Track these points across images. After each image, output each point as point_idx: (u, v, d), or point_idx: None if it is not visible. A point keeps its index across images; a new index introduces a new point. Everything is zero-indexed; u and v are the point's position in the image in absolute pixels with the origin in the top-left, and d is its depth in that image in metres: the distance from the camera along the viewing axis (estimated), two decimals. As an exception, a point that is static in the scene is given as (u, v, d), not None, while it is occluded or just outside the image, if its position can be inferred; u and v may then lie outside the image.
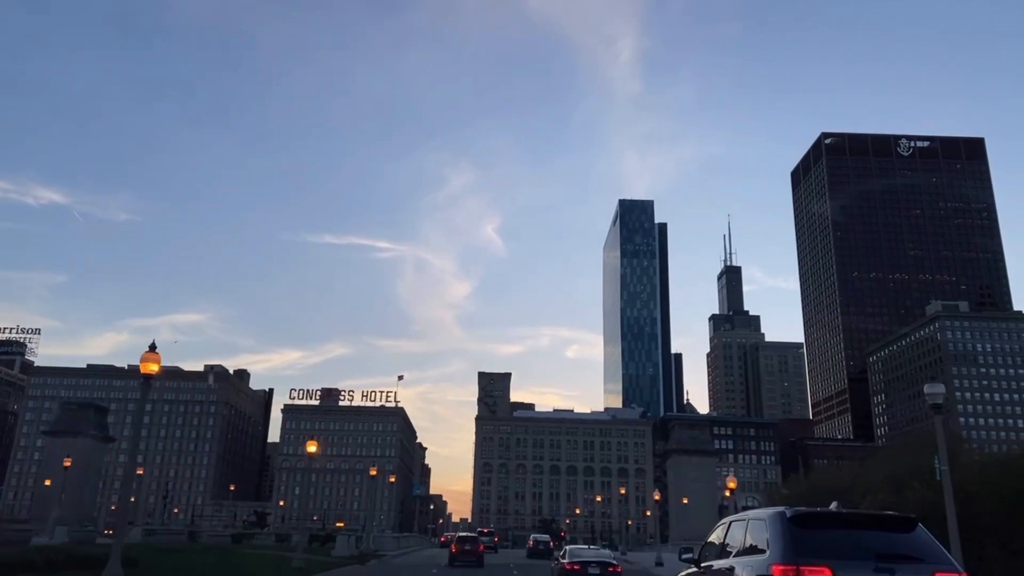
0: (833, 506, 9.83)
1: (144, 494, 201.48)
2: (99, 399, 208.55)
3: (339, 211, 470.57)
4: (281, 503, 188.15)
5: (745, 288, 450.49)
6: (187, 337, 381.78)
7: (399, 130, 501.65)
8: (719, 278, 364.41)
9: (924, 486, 25.82)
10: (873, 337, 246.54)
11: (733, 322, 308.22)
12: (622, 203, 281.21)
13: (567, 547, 30.69)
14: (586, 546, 35.84)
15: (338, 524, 71.04)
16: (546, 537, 74.83)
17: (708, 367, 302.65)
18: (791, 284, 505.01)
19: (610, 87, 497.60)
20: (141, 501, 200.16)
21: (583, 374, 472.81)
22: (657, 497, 62.05)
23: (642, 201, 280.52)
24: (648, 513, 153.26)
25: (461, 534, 54.55)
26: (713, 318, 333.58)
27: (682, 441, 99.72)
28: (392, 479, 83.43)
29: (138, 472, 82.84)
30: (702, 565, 11.25)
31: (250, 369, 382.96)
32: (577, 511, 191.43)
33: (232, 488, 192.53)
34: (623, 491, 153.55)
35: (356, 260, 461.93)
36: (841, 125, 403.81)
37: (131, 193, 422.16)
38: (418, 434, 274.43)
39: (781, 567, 8.46)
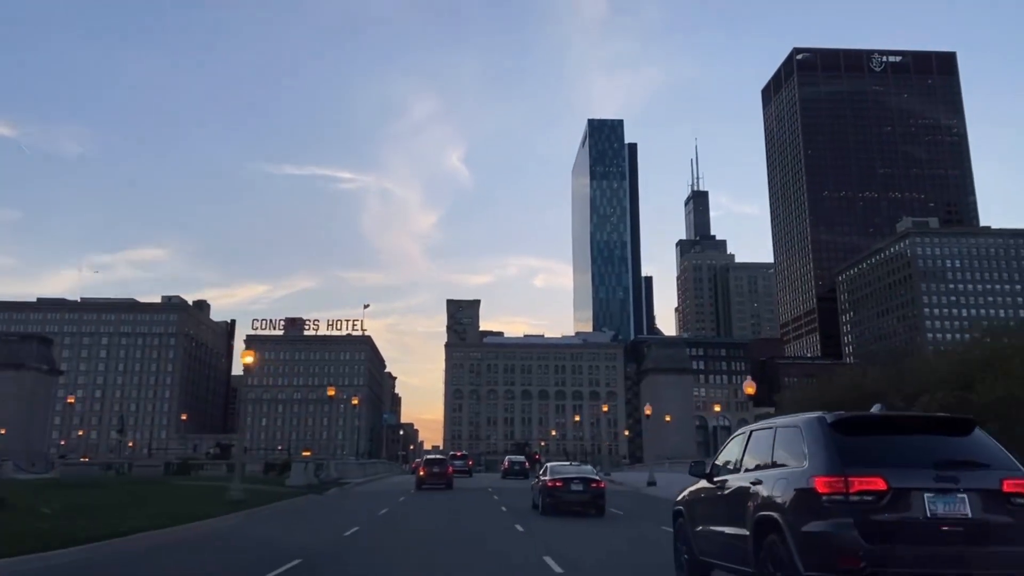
0: (875, 409, 8.66)
1: (105, 429, 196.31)
2: (51, 333, 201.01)
3: (299, 141, 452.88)
4: (234, 433, 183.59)
5: (712, 214, 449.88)
6: (148, 273, 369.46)
7: (359, 57, 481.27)
8: (686, 203, 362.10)
9: (1003, 379, 21.45)
10: (842, 256, 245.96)
11: (701, 246, 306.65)
12: (591, 123, 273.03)
13: (548, 464, 29.44)
14: (567, 463, 34.57)
15: (304, 453, 67.08)
16: (521, 458, 73.52)
17: (678, 289, 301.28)
18: (756, 210, 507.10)
19: (575, 9, 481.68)
20: (103, 436, 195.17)
21: (552, 303, 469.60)
22: (648, 412, 58.16)
23: (611, 120, 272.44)
24: (627, 433, 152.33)
25: (429, 456, 50.65)
26: (680, 243, 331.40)
27: (659, 360, 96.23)
28: (355, 402, 79.68)
29: (68, 401, 77.23)
30: (715, 480, 9.94)
31: (214, 304, 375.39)
32: (553, 432, 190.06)
33: (184, 418, 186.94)
34: (605, 408, 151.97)
35: (319, 191, 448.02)
36: (814, 40, 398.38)
37: (82, 125, 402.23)
38: (387, 365, 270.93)
39: (826, 478, 7.37)
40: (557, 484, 25.10)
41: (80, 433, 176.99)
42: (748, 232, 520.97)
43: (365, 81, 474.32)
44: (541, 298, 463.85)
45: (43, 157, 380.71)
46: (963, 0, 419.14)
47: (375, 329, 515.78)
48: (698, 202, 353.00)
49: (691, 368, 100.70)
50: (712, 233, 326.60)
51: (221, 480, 37.82)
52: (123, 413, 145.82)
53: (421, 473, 43.50)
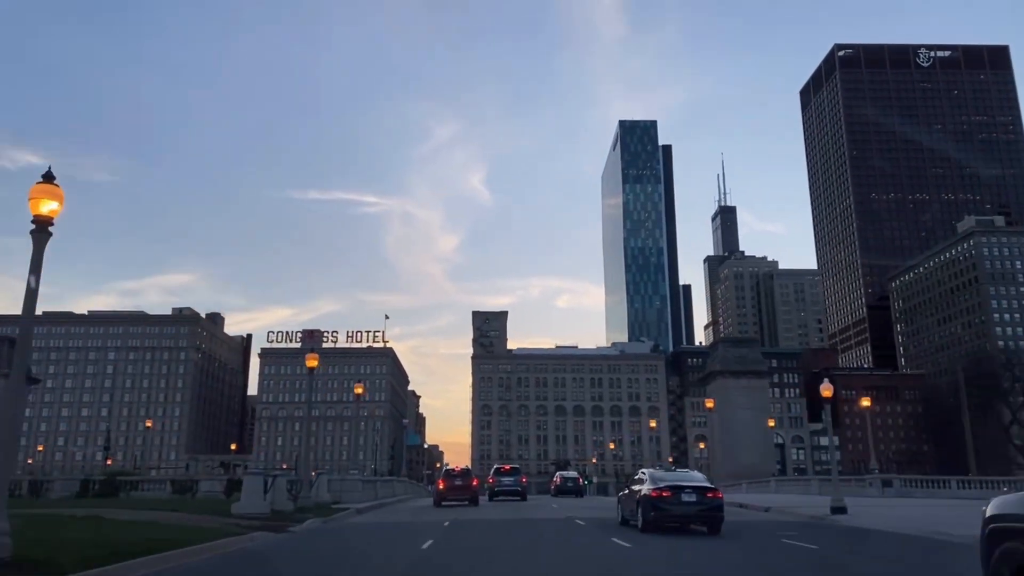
0: None
1: (112, 449, 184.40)
2: (57, 348, 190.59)
3: (324, 166, 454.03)
4: (249, 453, 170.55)
5: (740, 231, 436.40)
6: (175, 298, 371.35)
7: (381, 83, 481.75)
8: (713, 219, 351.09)
9: None
10: (892, 263, 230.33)
11: (739, 256, 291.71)
12: (622, 124, 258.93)
13: (646, 470, 24.59)
14: (662, 469, 29.55)
15: (312, 473, 55.31)
16: (573, 474, 67.95)
17: (713, 303, 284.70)
18: (781, 228, 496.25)
19: (595, 29, 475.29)
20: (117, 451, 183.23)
21: (576, 323, 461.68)
22: (805, 401, 43.48)
23: (644, 122, 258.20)
24: (702, 446, 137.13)
25: (450, 467, 42.65)
26: (708, 259, 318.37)
27: (728, 361, 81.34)
28: (358, 390, 67.00)
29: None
30: None
31: (239, 328, 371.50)
32: (611, 446, 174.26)
33: (149, 424, 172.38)
34: (653, 424, 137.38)
35: (343, 215, 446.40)
36: (852, 38, 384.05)
37: (109, 153, 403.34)
38: (410, 385, 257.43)
39: None
40: (664, 494, 21.28)
41: (40, 448, 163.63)
42: (776, 250, 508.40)
43: (388, 106, 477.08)
44: (565, 318, 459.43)
45: (71, 184, 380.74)
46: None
47: (398, 351, 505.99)
48: (726, 217, 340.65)
49: (766, 371, 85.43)
50: (741, 248, 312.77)
51: (135, 506, 24.03)
52: (108, 427, 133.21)
53: (441, 487, 38.87)
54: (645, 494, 21.66)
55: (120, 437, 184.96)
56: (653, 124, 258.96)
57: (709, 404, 79.84)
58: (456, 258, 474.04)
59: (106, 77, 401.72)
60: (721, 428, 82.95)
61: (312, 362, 25.56)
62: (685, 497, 20.97)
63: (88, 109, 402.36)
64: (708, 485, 22.02)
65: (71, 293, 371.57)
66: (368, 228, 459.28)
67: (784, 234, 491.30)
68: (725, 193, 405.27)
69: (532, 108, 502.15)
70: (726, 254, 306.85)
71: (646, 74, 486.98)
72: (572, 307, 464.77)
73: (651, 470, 24.63)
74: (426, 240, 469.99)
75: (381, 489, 42.70)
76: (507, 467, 46.74)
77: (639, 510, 21.91)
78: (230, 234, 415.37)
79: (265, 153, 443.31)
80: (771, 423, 65.06)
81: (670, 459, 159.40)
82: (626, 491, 24.60)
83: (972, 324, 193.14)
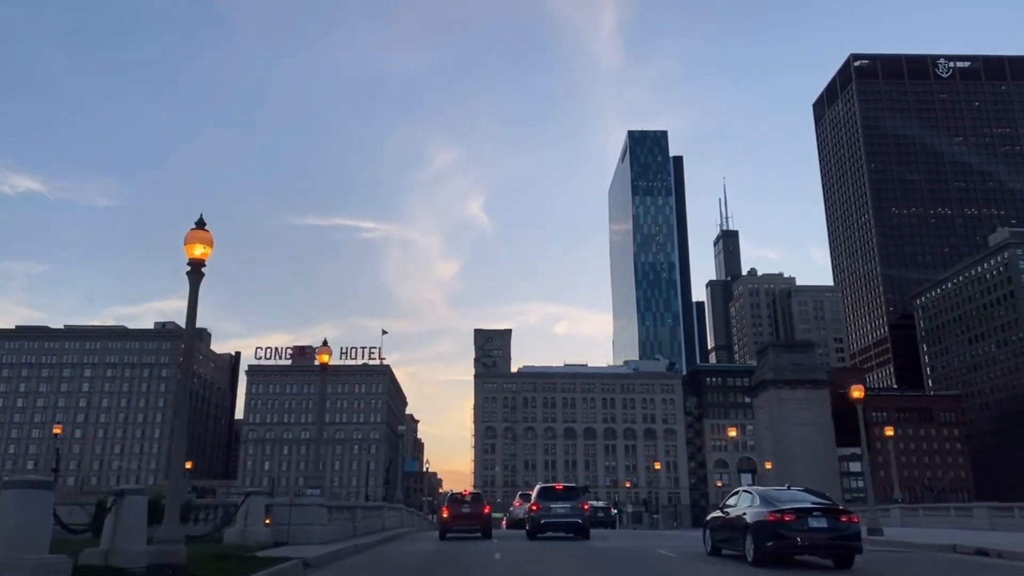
0: None
1: (86, 469, 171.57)
2: (28, 364, 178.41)
3: (323, 192, 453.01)
4: (234, 479, 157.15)
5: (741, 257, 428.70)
6: (174, 323, 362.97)
7: (381, 109, 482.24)
8: (715, 243, 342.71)
9: None
10: (915, 280, 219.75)
11: (752, 273, 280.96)
12: (631, 135, 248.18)
13: (752, 489, 19.63)
14: (777, 487, 21.49)
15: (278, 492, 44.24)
16: (603, 503, 65.21)
17: (734, 317, 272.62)
18: (778, 254, 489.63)
19: (594, 57, 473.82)
20: (83, 475, 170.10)
21: (576, 350, 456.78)
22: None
23: (654, 132, 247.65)
24: (768, 466, 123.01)
25: (456, 492, 35.86)
26: (711, 284, 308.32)
27: (780, 368, 69.24)
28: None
29: None
30: None
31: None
32: (657, 466, 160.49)
33: (160, 457, 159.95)
34: (739, 430, 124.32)
35: (342, 241, 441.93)
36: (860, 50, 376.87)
37: (110, 179, 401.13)
38: (408, 410, 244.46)
39: None
40: (786, 518, 17.04)
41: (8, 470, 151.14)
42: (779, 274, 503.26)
43: (388, 133, 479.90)
44: (564, 345, 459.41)
45: (71, 210, 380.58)
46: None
47: (397, 377, 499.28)
48: (728, 242, 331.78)
49: (826, 380, 73.15)
50: (744, 272, 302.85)
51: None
52: (58, 447, 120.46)
53: (445, 515, 32.80)
54: (759, 519, 17.91)
55: (95, 461, 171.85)
56: (663, 134, 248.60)
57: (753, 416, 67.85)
58: (455, 284, 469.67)
59: (106, 103, 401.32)
60: (774, 446, 70.47)
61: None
62: (813, 522, 17.21)
63: (88, 135, 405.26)
64: (839, 507, 18.16)
65: (67, 317, 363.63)
66: (367, 254, 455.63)
67: (785, 259, 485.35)
68: (727, 217, 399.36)
69: (532, 135, 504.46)
70: (728, 278, 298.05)
71: (647, 99, 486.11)
72: (571, 333, 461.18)
73: (756, 488, 20.70)
74: (425, 266, 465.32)
75: (363, 520, 29.16)
76: (560, 486, 32.14)
77: (748, 538, 18.06)
78: (228, 260, 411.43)
79: (264, 179, 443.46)
80: (791, 443, 52.55)
81: (768, 466, 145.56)
82: (718, 514, 21.06)
83: (1008, 342, 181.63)
